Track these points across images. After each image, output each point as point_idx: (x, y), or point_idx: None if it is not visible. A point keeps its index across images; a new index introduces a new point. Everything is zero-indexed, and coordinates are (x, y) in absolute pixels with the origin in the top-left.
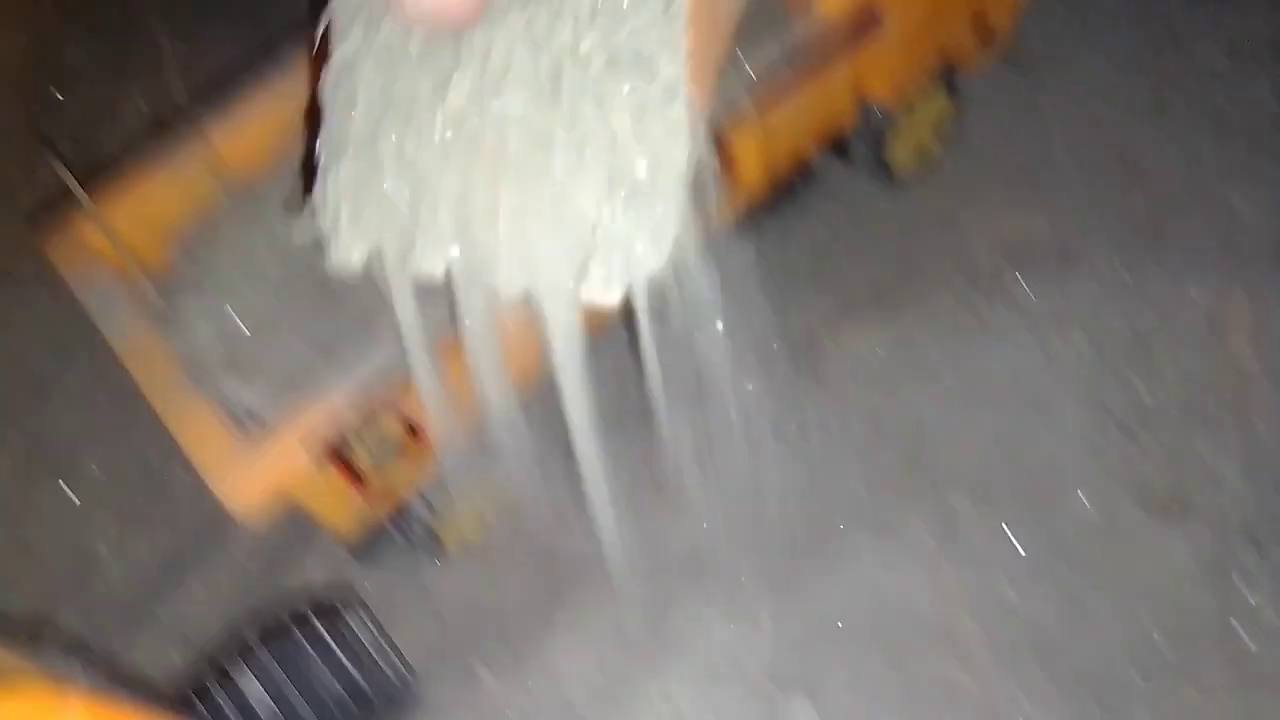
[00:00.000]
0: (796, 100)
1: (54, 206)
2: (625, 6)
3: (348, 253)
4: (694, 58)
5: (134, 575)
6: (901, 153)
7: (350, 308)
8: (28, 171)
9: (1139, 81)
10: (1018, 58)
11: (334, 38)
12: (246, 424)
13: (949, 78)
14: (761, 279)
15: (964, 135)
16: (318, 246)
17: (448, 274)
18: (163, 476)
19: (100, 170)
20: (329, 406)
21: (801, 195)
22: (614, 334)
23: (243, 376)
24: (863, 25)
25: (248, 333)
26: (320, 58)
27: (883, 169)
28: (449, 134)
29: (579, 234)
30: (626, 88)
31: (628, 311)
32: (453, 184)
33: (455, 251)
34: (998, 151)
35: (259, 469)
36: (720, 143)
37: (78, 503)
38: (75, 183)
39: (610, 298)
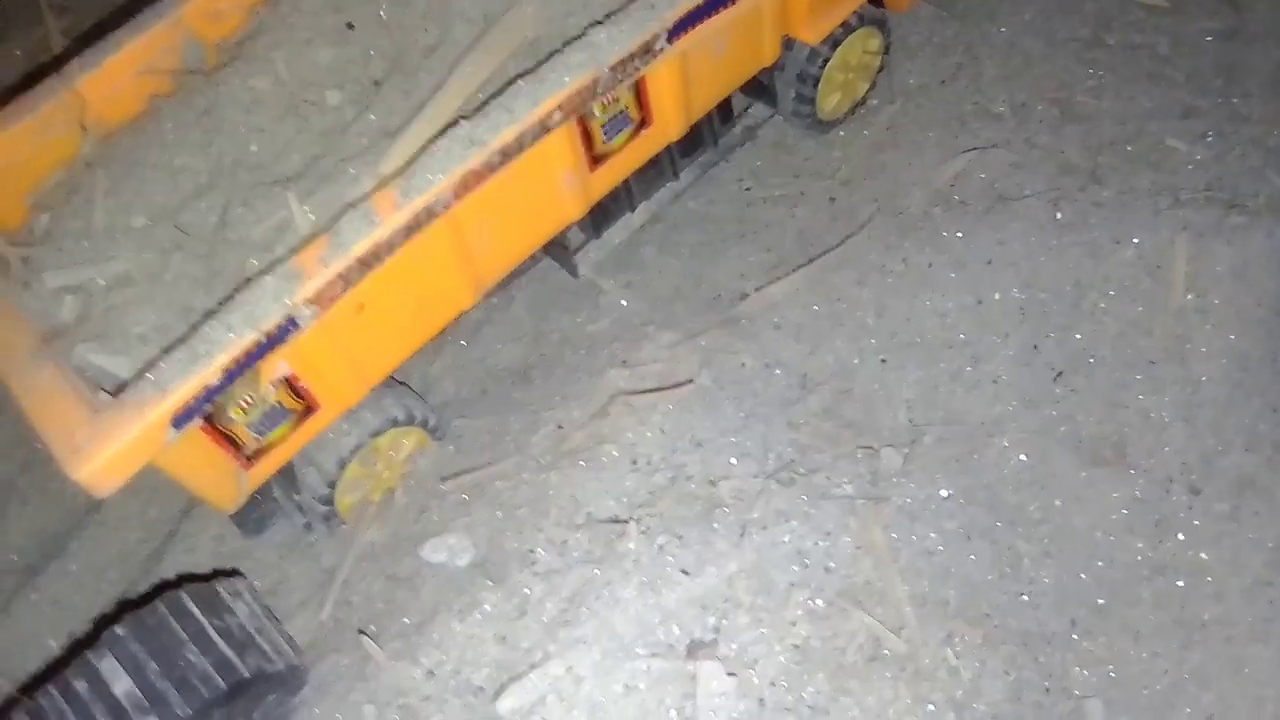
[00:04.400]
0: (717, 36)
1: None
2: None
3: None
4: None
5: (7, 555)
6: (829, 95)
7: (226, 263)
8: None
9: (1075, 21)
10: (951, 1)
11: None
12: (102, 392)
13: (878, 16)
14: (683, 231)
15: (894, 77)
16: (189, 200)
17: None
18: (40, 449)
19: None
20: (196, 369)
21: (723, 139)
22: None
23: (100, 340)
24: None
25: (108, 293)
26: None
27: (809, 112)
28: None
29: None
30: None
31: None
32: None
33: None
34: (929, 94)
35: (113, 441)
36: (637, 84)
37: None
38: None
39: None
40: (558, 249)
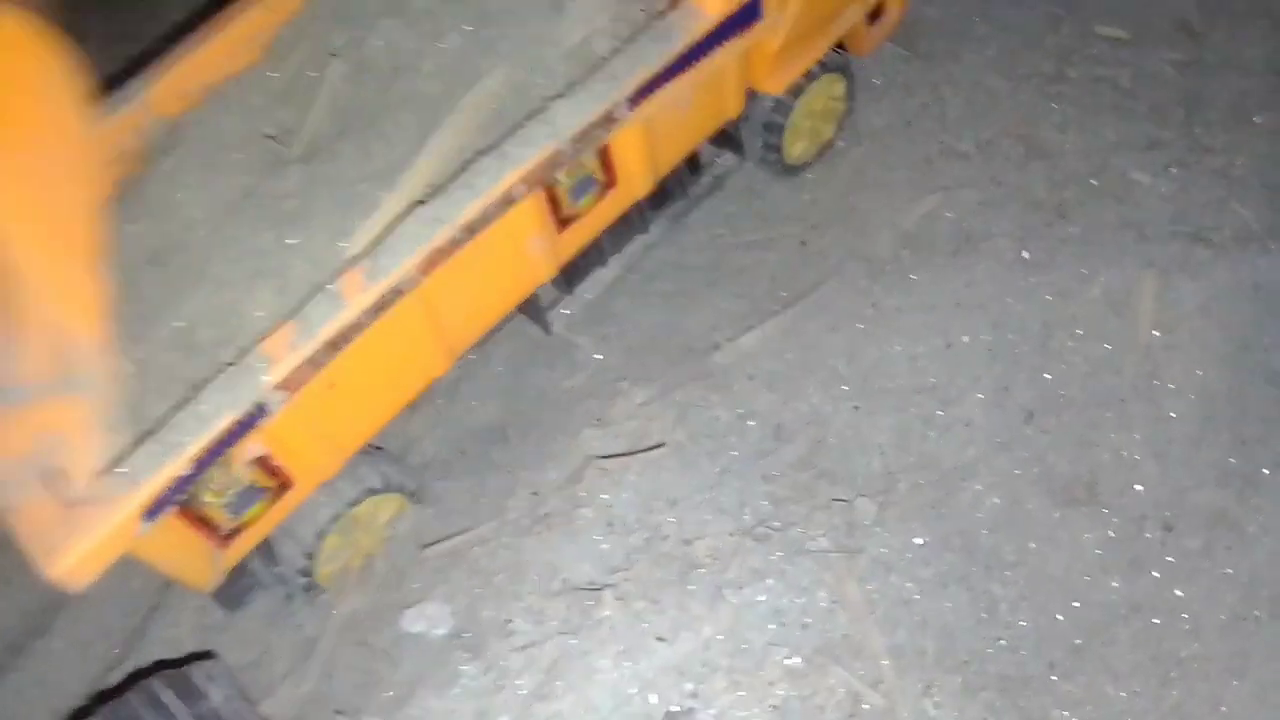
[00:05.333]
0: (679, 97)
1: None
2: None
3: None
4: None
5: None
6: (795, 141)
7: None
8: None
9: (1038, 57)
10: (912, 37)
11: None
12: (72, 485)
13: (841, 62)
14: (654, 284)
15: (860, 120)
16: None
17: None
18: None
19: None
20: (177, 460)
21: (692, 190)
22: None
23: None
24: (744, 17)
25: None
26: None
27: (777, 158)
28: None
29: None
30: None
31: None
32: None
33: None
34: (895, 135)
35: (86, 539)
36: (600, 153)
37: None
38: None
39: None
40: (531, 305)
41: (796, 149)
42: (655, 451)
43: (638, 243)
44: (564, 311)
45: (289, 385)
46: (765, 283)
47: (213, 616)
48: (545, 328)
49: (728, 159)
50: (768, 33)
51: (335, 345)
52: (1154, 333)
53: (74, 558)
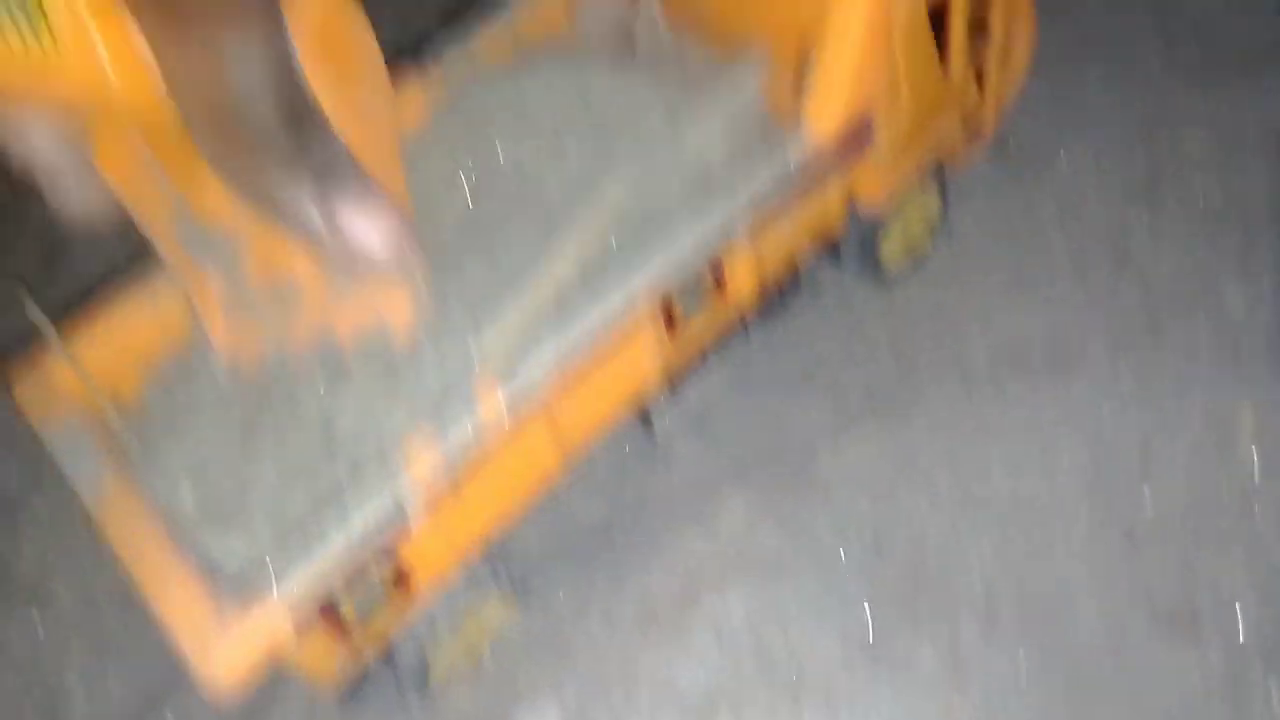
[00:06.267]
0: (789, 217)
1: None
2: None
3: None
4: None
5: (103, 711)
6: (891, 251)
7: (339, 447)
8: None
9: (1130, 171)
10: (1006, 150)
11: None
12: (228, 586)
13: (938, 175)
14: (753, 389)
15: (954, 230)
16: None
17: None
18: (137, 606)
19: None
20: (323, 563)
21: (789, 296)
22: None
23: (223, 530)
24: (856, 140)
25: (223, 472)
26: None
27: (873, 267)
28: None
29: None
30: None
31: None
32: None
33: None
34: (989, 246)
35: (243, 639)
36: (713, 266)
37: (44, 635)
38: (44, 320)
39: None
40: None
41: (892, 259)
42: (759, 562)
43: (738, 347)
44: (665, 413)
45: (430, 500)
46: (861, 389)
47: (324, 710)
48: (648, 428)
49: (825, 267)
50: (874, 152)
51: (471, 454)
52: (1254, 461)
53: (229, 664)
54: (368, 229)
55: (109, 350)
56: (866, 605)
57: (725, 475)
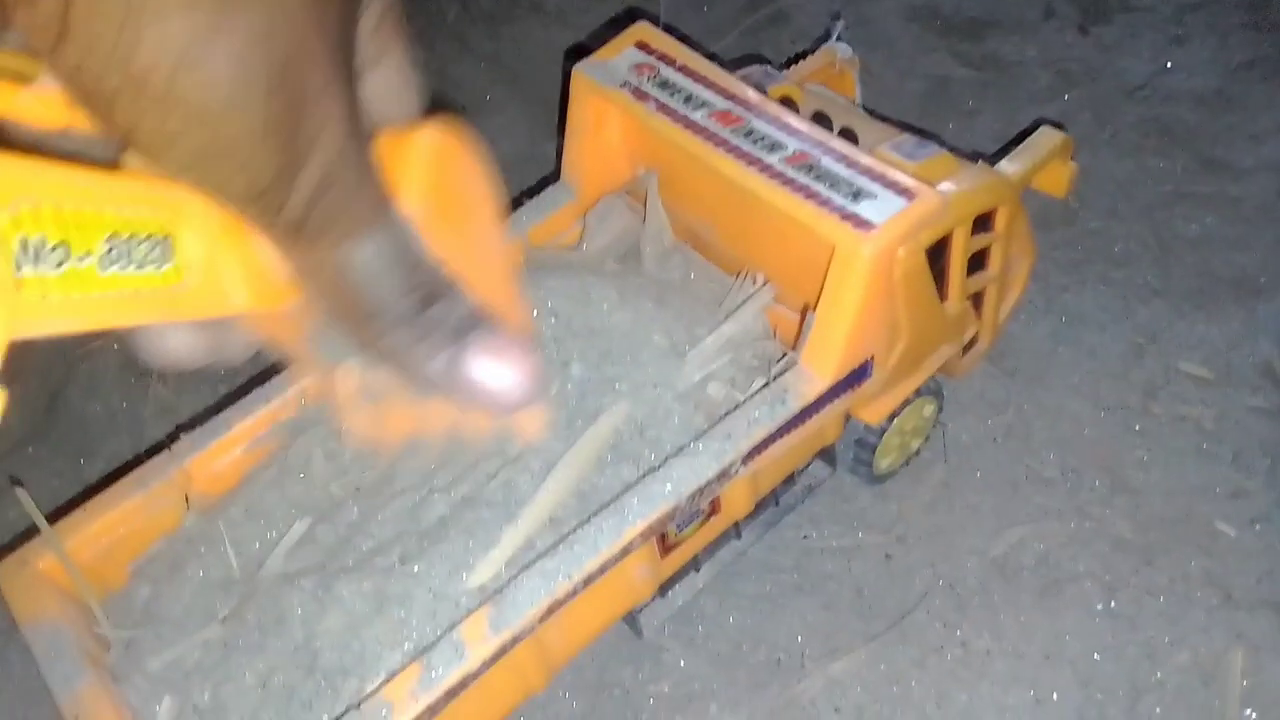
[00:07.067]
0: (788, 445)
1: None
2: None
3: None
4: None
5: None
6: (886, 455)
7: (319, 668)
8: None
9: (1122, 388)
10: (999, 353)
11: None
12: None
13: (935, 387)
14: (743, 579)
15: (947, 434)
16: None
17: None
18: None
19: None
20: None
21: (783, 498)
22: None
23: None
24: (854, 378)
25: (206, 693)
26: None
27: (867, 470)
28: None
29: None
30: None
31: None
32: None
33: None
34: (981, 453)
35: None
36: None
37: None
38: (39, 515)
39: None
40: None
41: (885, 461)
42: None
43: (729, 549)
44: (654, 614)
45: None
46: (851, 594)
47: None
48: (636, 630)
49: (818, 468)
50: (873, 384)
51: (454, 693)
52: (1245, 712)
53: None
54: (503, 377)
55: (99, 544)
56: None
57: (710, 684)
